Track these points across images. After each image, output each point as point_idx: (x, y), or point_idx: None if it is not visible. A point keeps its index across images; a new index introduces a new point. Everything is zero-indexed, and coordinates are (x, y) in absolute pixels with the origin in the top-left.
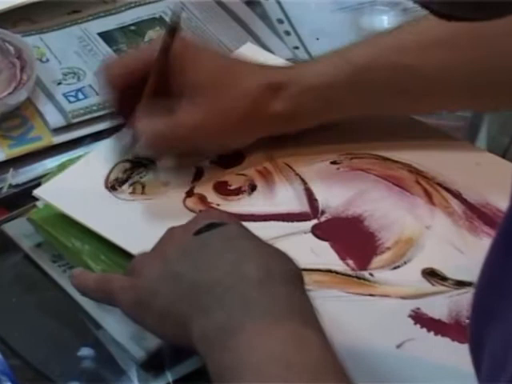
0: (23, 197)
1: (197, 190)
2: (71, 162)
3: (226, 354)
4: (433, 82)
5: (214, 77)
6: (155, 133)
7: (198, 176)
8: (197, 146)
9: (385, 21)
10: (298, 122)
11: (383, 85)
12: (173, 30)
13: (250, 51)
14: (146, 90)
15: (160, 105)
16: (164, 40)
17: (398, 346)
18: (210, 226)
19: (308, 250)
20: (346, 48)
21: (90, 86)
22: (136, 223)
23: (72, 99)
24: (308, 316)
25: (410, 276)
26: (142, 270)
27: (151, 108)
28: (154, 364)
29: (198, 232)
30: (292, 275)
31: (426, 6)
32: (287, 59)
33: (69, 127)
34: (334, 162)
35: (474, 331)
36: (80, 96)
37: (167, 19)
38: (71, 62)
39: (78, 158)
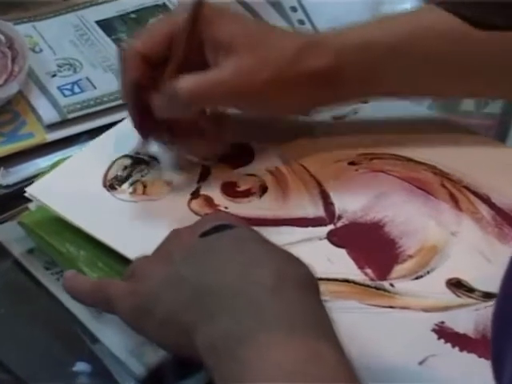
0: (14, 198)
1: (203, 191)
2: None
3: (234, 366)
4: (477, 60)
5: (250, 35)
6: (198, 84)
7: (204, 176)
8: (240, 98)
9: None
10: (340, 86)
11: (426, 55)
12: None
13: None
14: (173, 59)
15: (192, 66)
16: (193, 6)
17: (421, 363)
18: (217, 229)
19: (323, 258)
20: (391, 16)
21: (87, 78)
22: (137, 227)
23: (67, 93)
24: (324, 326)
25: (433, 287)
26: (142, 274)
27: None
28: (154, 381)
29: (205, 234)
30: (307, 282)
31: (459, 14)
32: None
33: (64, 123)
34: (352, 163)
35: (494, 344)
36: (76, 89)
37: (171, 7)
38: (67, 52)
39: (75, 154)
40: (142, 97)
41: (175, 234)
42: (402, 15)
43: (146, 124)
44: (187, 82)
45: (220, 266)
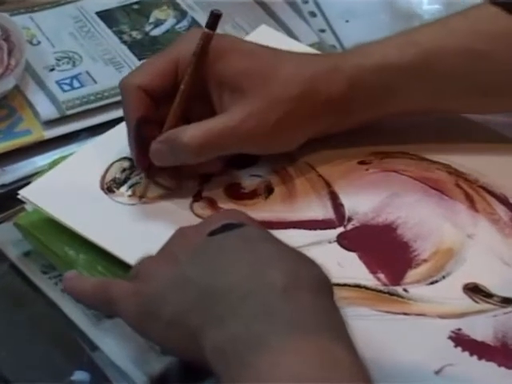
0: (10, 199)
1: (205, 194)
2: (64, 159)
3: (244, 371)
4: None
5: (258, 72)
6: (207, 134)
7: (206, 177)
8: (252, 143)
9: (424, 1)
10: (354, 111)
11: (452, 73)
12: (212, 26)
13: (264, 35)
14: (177, 98)
15: (197, 108)
16: (202, 40)
17: (437, 372)
18: (226, 227)
19: (333, 262)
20: (413, 29)
21: (87, 72)
22: (136, 231)
23: (66, 88)
24: (338, 330)
25: (449, 292)
26: (147, 275)
27: (188, 113)
28: None
29: (213, 233)
30: (320, 283)
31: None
32: (311, 44)
33: (62, 120)
34: (362, 162)
35: None
36: (75, 84)
37: None
38: (66, 44)
39: (72, 155)
40: (146, 133)
41: (181, 233)
42: (428, 25)
43: (148, 163)
44: (194, 132)
45: (228, 267)
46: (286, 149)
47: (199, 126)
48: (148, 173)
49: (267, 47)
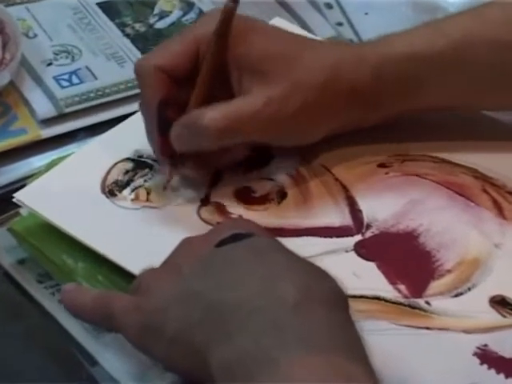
0: (4, 202)
1: (214, 198)
2: (63, 160)
3: None
4: None
5: (281, 56)
6: (227, 117)
7: (215, 180)
8: (273, 129)
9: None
10: (379, 104)
11: (484, 65)
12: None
13: None
14: (200, 80)
15: (218, 91)
16: (223, 19)
17: None
18: (234, 237)
19: (350, 273)
20: (439, 20)
21: (87, 67)
22: (139, 237)
23: (65, 84)
24: (353, 346)
25: (475, 305)
26: (150, 288)
27: (209, 97)
28: None
29: (221, 243)
30: (334, 297)
31: None
32: (328, 39)
33: (60, 118)
34: (382, 165)
35: None
36: (74, 80)
37: None
38: (64, 38)
39: (70, 155)
40: (169, 117)
41: (187, 244)
42: (458, 15)
43: (171, 151)
44: (214, 115)
45: (237, 280)
46: (306, 141)
47: (219, 107)
48: (171, 162)
49: (290, 32)
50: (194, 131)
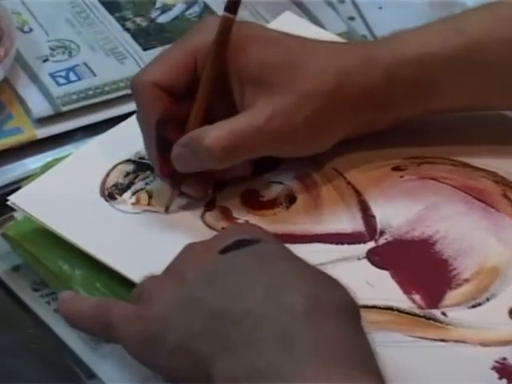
0: None
1: (219, 202)
2: (59, 161)
3: None
4: None
5: (285, 64)
6: (231, 136)
7: (220, 184)
8: (281, 144)
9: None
10: (392, 108)
11: (499, 65)
12: (233, 8)
13: (287, 23)
14: (199, 94)
15: (219, 106)
16: (222, 26)
17: None
18: (239, 244)
19: (362, 281)
20: (456, 16)
21: (85, 64)
22: (140, 243)
23: (62, 81)
24: (365, 359)
25: (494, 317)
26: (150, 297)
27: (210, 111)
28: None
29: (226, 250)
30: (345, 306)
31: None
32: (339, 34)
33: (57, 117)
34: (396, 168)
35: None
36: (72, 77)
37: None
38: (61, 32)
39: (68, 156)
40: (168, 136)
41: (190, 250)
42: (474, 12)
43: (172, 171)
44: (217, 133)
45: (242, 288)
46: (317, 150)
47: (222, 126)
48: (173, 181)
49: (293, 36)
50: (197, 152)
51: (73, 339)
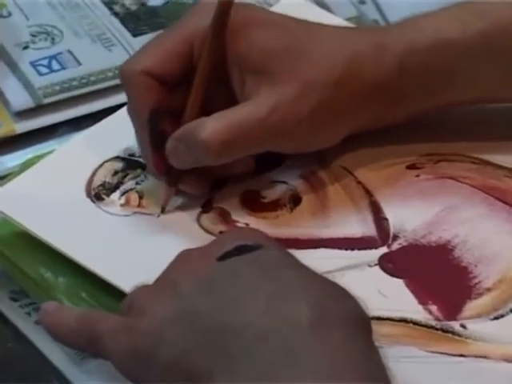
0: None
1: (217, 203)
2: (41, 159)
3: None
4: None
5: (288, 50)
6: (229, 130)
7: (218, 183)
8: (284, 138)
9: None
10: (405, 100)
11: None
12: None
13: (292, 7)
14: (196, 82)
15: (217, 96)
16: (220, 9)
17: None
18: (240, 250)
19: (374, 291)
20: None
21: (69, 51)
22: (130, 249)
23: (43, 70)
24: (376, 376)
25: None
26: (143, 308)
27: (207, 102)
28: None
29: (224, 257)
30: (356, 319)
31: None
32: (348, 19)
33: (38, 110)
34: (411, 166)
35: None
36: (55, 66)
37: None
38: (43, 17)
39: (50, 153)
40: (163, 129)
41: (185, 257)
42: None
43: (167, 167)
44: (215, 126)
45: (242, 298)
46: (323, 145)
47: (220, 117)
48: (169, 179)
49: (298, 20)
50: (193, 146)
51: (56, 353)
